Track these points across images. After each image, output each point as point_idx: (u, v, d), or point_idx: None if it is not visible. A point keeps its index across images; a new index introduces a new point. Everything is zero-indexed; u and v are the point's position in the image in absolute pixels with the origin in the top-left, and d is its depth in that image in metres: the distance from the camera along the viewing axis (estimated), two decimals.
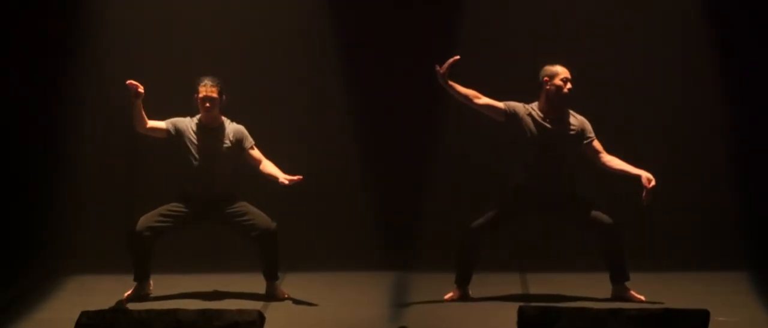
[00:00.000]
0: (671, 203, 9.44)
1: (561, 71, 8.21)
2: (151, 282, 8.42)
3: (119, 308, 7.98)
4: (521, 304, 7.07)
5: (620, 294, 8.24)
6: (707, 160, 9.64)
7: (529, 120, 8.23)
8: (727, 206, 9.65)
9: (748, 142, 9.59)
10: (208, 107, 8.28)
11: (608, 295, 8.27)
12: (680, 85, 9.62)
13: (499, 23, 9.63)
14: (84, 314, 6.86)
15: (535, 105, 8.27)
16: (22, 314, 7.97)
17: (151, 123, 8.30)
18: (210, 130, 8.37)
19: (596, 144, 8.29)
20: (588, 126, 8.30)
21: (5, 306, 8.19)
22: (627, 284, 8.26)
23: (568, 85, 8.20)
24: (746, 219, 9.60)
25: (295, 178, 8.08)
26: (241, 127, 8.43)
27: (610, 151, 8.28)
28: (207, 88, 8.28)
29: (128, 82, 8.05)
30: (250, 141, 8.42)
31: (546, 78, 8.21)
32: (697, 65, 9.60)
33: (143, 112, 8.19)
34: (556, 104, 8.20)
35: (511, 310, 7.02)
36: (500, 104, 8.24)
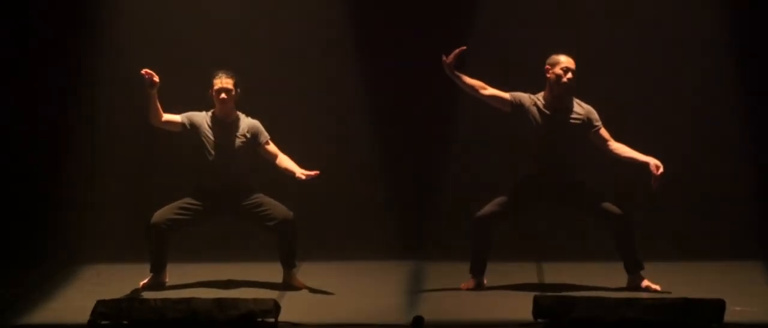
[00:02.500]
0: (687, 192, 9.44)
1: (562, 61, 8.19)
2: (167, 272, 8.43)
3: (135, 296, 8.00)
4: (537, 293, 7.10)
5: (635, 284, 8.23)
6: (723, 149, 9.60)
7: (534, 110, 8.22)
8: (743, 195, 9.62)
9: (764, 131, 9.56)
10: (223, 99, 8.27)
11: (624, 284, 8.26)
12: (697, 74, 9.58)
13: (513, 17, 9.60)
14: (100, 303, 6.91)
15: (541, 95, 8.26)
16: (39, 302, 7.99)
17: (167, 116, 8.30)
18: (225, 125, 8.37)
19: (603, 132, 8.27)
20: (594, 114, 8.28)
21: (22, 295, 8.21)
22: (642, 273, 8.25)
23: (568, 76, 8.16)
24: (762, 208, 9.57)
25: (312, 173, 8.08)
26: (256, 122, 8.42)
27: (627, 141, 8.26)
28: (222, 81, 8.27)
29: (143, 71, 8.06)
30: (265, 136, 8.41)
31: (548, 66, 8.21)
32: (714, 54, 9.56)
33: (158, 105, 8.19)
34: (557, 93, 8.19)
35: (526, 299, 7.04)
36: (506, 95, 8.23)
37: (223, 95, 8.27)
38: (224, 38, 9.54)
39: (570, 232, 9.42)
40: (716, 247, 9.39)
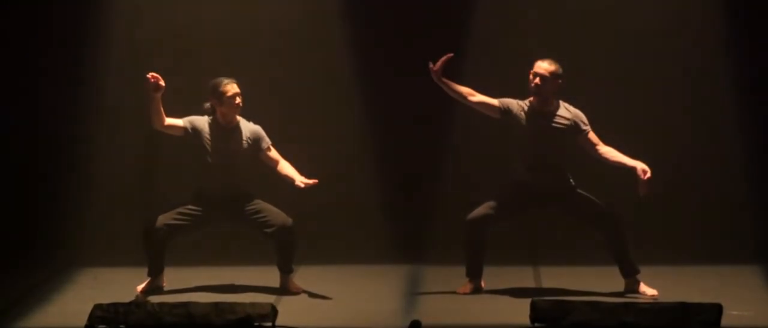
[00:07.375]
0: (684, 195, 9.44)
1: (536, 65, 8.19)
2: (164, 276, 8.43)
3: (132, 301, 7.99)
4: (534, 297, 7.10)
5: (632, 288, 8.24)
6: (720, 153, 9.60)
7: (522, 115, 8.23)
8: (740, 199, 9.62)
9: (761, 134, 9.56)
10: (238, 103, 8.26)
11: (621, 288, 8.26)
12: (693, 77, 9.58)
13: (509, 20, 9.60)
14: (97, 307, 6.91)
15: (529, 100, 8.27)
16: (36, 306, 8.00)
17: (169, 120, 8.29)
18: (227, 130, 8.35)
19: (592, 136, 8.27)
20: (582, 118, 8.27)
21: (20, 299, 8.21)
22: (638, 277, 8.25)
23: (536, 81, 8.16)
24: (759, 212, 9.56)
25: (311, 182, 8.09)
26: (257, 128, 8.42)
27: (621, 145, 8.26)
28: (233, 86, 8.26)
29: (149, 75, 8.06)
30: (267, 141, 8.40)
31: (530, 71, 8.22)
32: (710, 56, 9.56)
33: (162, 109, 8.19)
34: (534, 98, 8.19)
35: (524, 303, 7.04)
36: (495, 101, 8.24)
37: (238, 100, 8.26)
38: (222, 43, 9.54)
39: (567, 235, 9.42)
40: (713, 251, 9.39)
